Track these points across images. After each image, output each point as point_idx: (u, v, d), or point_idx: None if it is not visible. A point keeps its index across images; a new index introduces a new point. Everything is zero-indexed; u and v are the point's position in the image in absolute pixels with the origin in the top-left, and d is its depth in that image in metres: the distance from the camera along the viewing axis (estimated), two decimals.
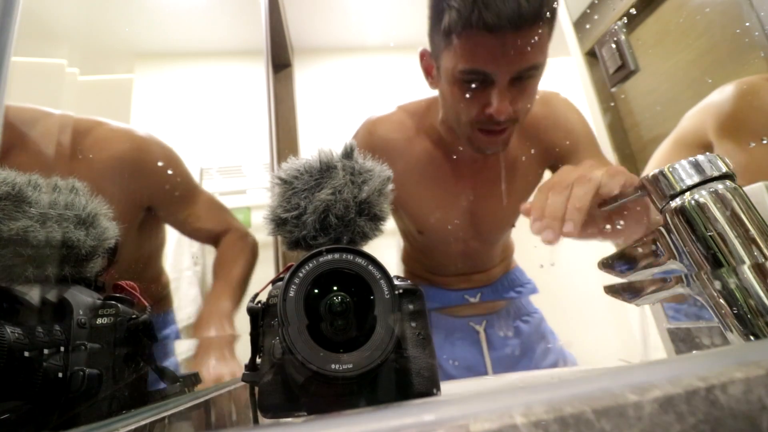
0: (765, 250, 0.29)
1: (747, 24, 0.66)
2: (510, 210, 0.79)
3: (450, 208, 0.79)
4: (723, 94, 0.67)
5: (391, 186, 0.37)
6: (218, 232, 0.71)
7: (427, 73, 0.72)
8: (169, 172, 0.66)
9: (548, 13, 0.58)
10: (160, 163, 0.65)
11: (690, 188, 0.32)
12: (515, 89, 0.61)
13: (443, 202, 0.79)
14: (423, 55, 0.72)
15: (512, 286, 0.89)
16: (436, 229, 0.80)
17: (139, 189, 0.60)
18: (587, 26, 0.97)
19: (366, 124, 0.82)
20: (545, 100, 0.77)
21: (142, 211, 0.59)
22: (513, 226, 0.85)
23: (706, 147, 0.65)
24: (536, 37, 0.57)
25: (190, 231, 0.70)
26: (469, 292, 0.86)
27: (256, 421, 0.30)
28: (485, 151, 0.70)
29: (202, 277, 0.72)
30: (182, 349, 0.62)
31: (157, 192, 0.64)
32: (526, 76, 0.61)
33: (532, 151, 0.76)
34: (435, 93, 0.75)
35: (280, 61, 1.68)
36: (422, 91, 0.76)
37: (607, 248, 0.48)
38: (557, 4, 0.60)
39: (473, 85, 0.61)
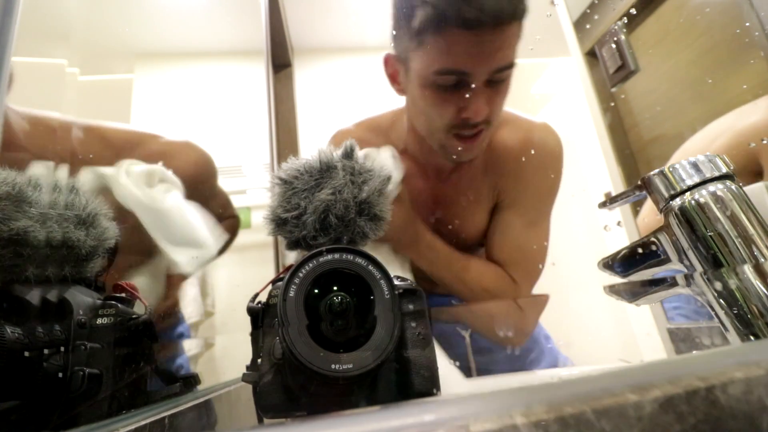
0: (765, 250, 0.29)
1: (747, 24, 0.66)
2: (472, 226, 0.75)
3: (421, 221, 0.75)
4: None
5: (391, 186, 0.37)
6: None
7: (393, 79, 0.68)
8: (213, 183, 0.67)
9: (525, 10, 0.57)
10: (214, 182, 0.67)
11: (690, 188, 0.32)
12: (490, 90, 0.59)
13: (413, 215, 0.76)
14: (387, 60, 0.68)
15: None
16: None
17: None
18: (587, 26, 0.97)
19: (335, 139, 0.80)
20: (532, 132, 0.72)
21: None
22: (481, 245, 0.80)
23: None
24: (512, 36, 0.55)
25: None
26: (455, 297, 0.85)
27: (257, 420, 0.30)
28: (460, 158, 0.66)
29: (202, 277, 0.72)
30: (189, 346, 0.62)
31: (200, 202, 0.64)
32: (501, 76, 0.59)
33: (489, 176, 0.72)
34: (400, 104, 0.72)
35: (280, 61, 1.68)
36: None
37: (607, 248, 0.48)
38: (527, 3, 0.58)
39: (448, 87, 0.58)
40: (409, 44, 0.60)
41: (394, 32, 0.63)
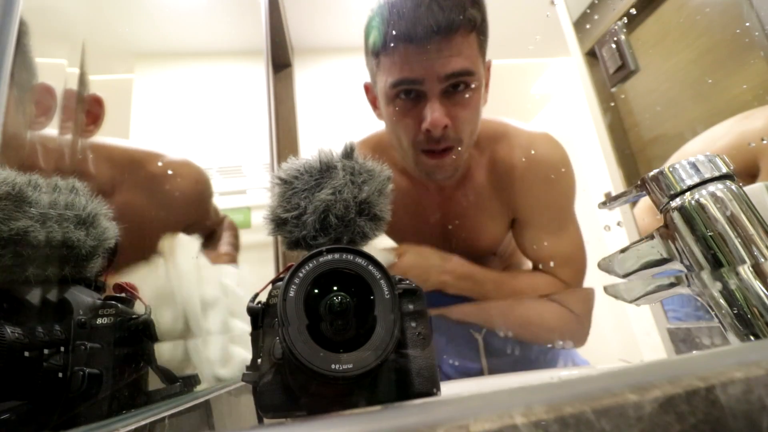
0: (765, 250, 0.29)
1: (747, 24, 0.66)
2: (485, 239, 0.75)
3: (424, 236, 0.76)
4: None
5: (391, 186, 0.37)
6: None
7: (373, 105, 0.70)
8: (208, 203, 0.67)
9: (471, 21, 0.57)
10: (212, 200, 0.67)
11: (690, 188, 0.32)
12: (449, 101, 0.59)
13: (416, 230, 0.76)
14: (367, 88, 0.70)
15: None
16: None
17: (187, 220, 0.60)
18: (587, 26, 0.97)
19: None
20: (533, 145, 0.73)
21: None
22: (494, 254, 0.81)
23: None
24: (461, 45, 0.56)
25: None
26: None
27: (257, 420, 0.30)
28: (435, 176, 0.66)
29: None
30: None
31: (195, 222, 0.64)
32: (458, 85, 0.59)
33: (499, 194, 0.73)
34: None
35: (280, 61, 1.68)
36: None
37: (607, 248, 0.48)
38: (480, 13, 0.59)
39: (406, 101, 0.59)
40: (372, 68, 0.63)
41: (365, 62, 0.65)
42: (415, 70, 0.57)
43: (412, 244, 0.72)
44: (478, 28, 0.58)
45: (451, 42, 0.55)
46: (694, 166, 0.33)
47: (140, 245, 0.48)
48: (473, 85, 0.60)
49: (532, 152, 0.71)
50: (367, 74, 0.73)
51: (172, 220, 0.56)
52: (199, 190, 0.63)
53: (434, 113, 0.57)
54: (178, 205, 0.58)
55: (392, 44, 0.56)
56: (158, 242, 0.50)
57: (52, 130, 0.37)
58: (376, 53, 0.60)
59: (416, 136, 0.61)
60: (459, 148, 0.62)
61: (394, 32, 0.55)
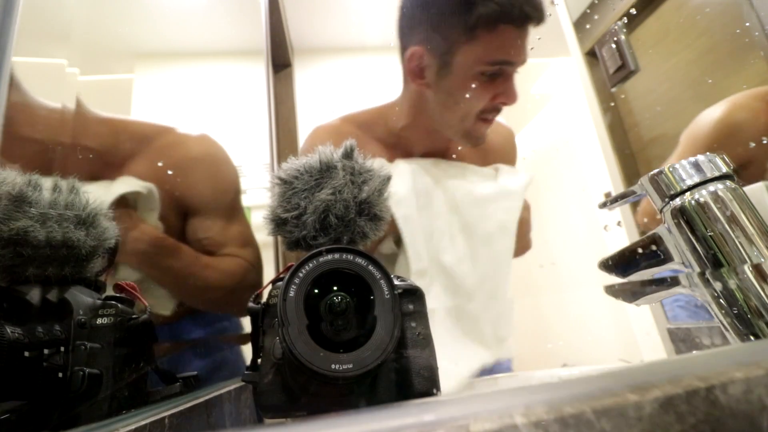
0: (765, 250, 0.29)
1: (747, 24, 0.66)
2: None
3: None
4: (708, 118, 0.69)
5: (391, 186, 0.37)
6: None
7: (416, 75, 0.70)
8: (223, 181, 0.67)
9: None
10: (223, 174, 0.67)
11: (690, 188, 0.32)
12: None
13: None
14: (414, 55, 0.69)
15: None
16: None
17: (194, 191, 0.60)
18: (587, 26, 0.97)
19: (315, 133, 0.82)
20: (505, 134, 0.85)
21: (176, 216, 0.58)
22: None
23: None
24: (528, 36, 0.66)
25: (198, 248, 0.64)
26: None
27: (257, 420, 0.30)
28: (479, 140, 0.73)
29: None
30: None
31: (205, 199, 0.63)
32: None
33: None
34: (385, 101, 0.78)
35: (280, 61, 1.68)
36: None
37: (607, 248, 0.48)
38: None
39: (487, 78, 0.67)
40: (457, 39, 0.65)
41: (434, 31, 0.67)
42: (512, 55, 0.65)
43: None
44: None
45: (527, 32, 0.64)
46: (693, 166, 0.33)
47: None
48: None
49: (507, 137, 0.84)
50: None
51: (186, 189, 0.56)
52: (212, 159, 0.63)
53: (514, 90, 0.67)
54: (187, 172, 0.58)
55: (499, 23, 0.62)
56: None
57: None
58: (473, 26, 0.63)
59: (485, 106, 0.68)
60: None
61: (515, 11, 0.61)
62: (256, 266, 0.70)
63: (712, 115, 0.69)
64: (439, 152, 0.76)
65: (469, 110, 0.69)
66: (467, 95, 0.68)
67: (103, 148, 0.46)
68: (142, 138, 0.55)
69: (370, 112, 0.81)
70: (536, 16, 0.63)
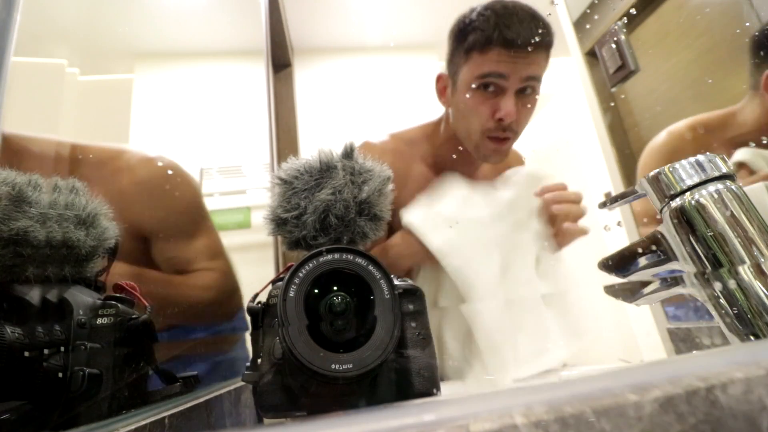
0: (765, 250, 0.29)
1: (747, 24, 0.66)
2: None
3: None
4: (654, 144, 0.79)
5: (391, 186, 0.37)
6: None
7: (441, 93, 0.81)
8: (180, 201, 0.65)
9: (550, 44, 0.71)
10: (176, 193, 0.65)
11: (690, 188, 0.32)
12: (519, 101, 0.72)
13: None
14: (440, 78, 0.81)
15: None
16: None
17: (147, 215, 0.59)
18: (587, 26, 0.97)
19: (366, 149, 0.83)
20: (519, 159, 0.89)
21: (137, 241, 0.57)
22: None
23: None
24: (539, 57, 0.71)
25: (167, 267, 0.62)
26: None
27: (257, 420, 0.30)
28: (490, 159, 0.77)
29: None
30: None
31: (161, 221, 0.62)
32: (528, 88, 0.72)
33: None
34: (427, 120, 0.85)
35: (280, 61, 1.68)
36: (419, 90, 0.77)
37: (607, 248, 0.48)
38: (553, 39, 0.72)
39: (485, 93, 0.72)
40: (459, 61, 0.75)
41: (449, 56, 0.78)
42: (502, 68, 0.69)
43: None
44: (551, 48, 0.73)
45: (531, 55, 0.69)
46: (693, 166, 0.33)
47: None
48: (537, 91, 0.74)
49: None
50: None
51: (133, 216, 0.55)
52: (155, 182, 0.61)
53: (510, 106, 0.69)
54: (133, 199, 0.57)
55: (489, 45, 0.69)
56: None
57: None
58: (468, 50, 0.72)
59: (487, 122, 0.72)
60: (513, 140, 0.76)
61: (495, 37, 0.68)
62: (229, 274, 0.71)
63: (655, 143, 0.80)
64: (469, 172, 0.81)
65: (474, 125, 0.74)
66: (470, 109, 0.73)
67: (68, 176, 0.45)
68: (96, 163, 0.53)
69: (416, 130, 0.87)
70: (520, 39, 0.67)
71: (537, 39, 0.68)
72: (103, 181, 0.53)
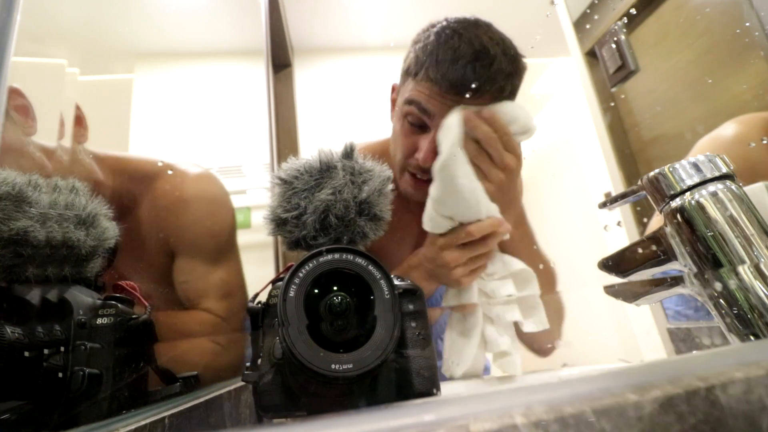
0: (765, 250, 0.29)
1: (747, 24, 0.66)
2: None
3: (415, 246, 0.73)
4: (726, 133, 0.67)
5: (391, 187, 0.37)
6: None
7: (393, 105, 0.73)
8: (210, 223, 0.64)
9: (498, 91, 0.58)
10: (216, 215, 0.64)
11: (690, 188, 0.32)
12: None
13: (408, 244, 0.74)
14: (393, 89, 0.73)
15: None
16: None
17: (181, 231, 0.58)
18: (587, 26, 0.97)
19: None
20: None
21: (167, 257, 0.56)
22: None
23: None
24: (478, 103, 0.57)
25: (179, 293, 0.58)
26: None
27: (257, 420, 0.30)
28: (409, 196, 0.67)
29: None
30: None
31: (191, 240, 0.60)
32: None
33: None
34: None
35: (280, 61, 1.68)
36: None
37: (607, 248, 0.48)
38: (512, 84, 0.59)
39: (412, 127, 0.63)
40: (402, 79, 0.67)
41: (402, 66, 0.70)
42: (430, 104, 0.60)
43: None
44: (503, 96, 0.59)
45: (477, 100, 0.58)
46: (693, 166, 0.33)
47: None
48: None
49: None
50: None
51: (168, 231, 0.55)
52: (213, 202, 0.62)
53: (428, 149, 0.60)
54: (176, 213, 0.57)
55: (423, 77, 0.60)
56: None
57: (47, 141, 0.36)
58: (406, 72, 0.65)
59: (408, 157, 0.64)
60: None
61: (428, 70, 0.59)
62: (229, 319, 0.63)
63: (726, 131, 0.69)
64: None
65: (398, 155, 0.66)
66: (396, 137, 0.66)
67: (117, 190, 0.44)
68: (143, 178, 0.53)
69: (381, 143, 0.78)
70: (445, 81, 0.57)
71: (477, 85, 0.56)
72: (152, 198, 0.53)
